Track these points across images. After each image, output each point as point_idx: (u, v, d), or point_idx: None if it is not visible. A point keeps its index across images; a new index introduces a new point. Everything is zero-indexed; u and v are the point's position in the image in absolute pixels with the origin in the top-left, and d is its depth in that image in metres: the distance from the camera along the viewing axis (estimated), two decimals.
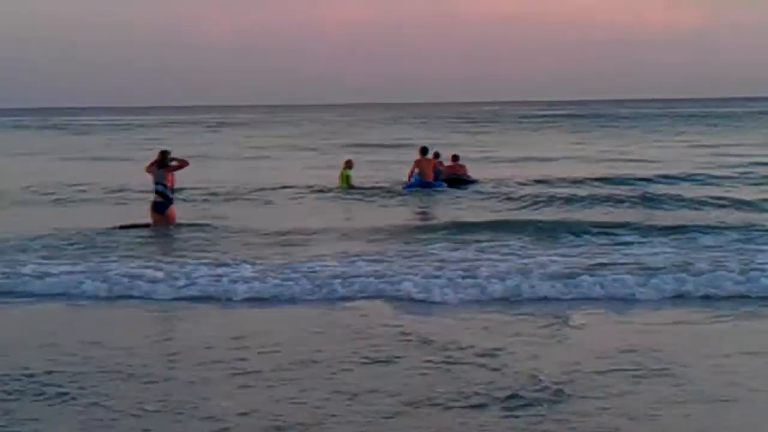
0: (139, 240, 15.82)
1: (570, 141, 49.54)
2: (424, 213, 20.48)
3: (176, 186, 17.51)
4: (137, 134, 68.87)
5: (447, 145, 34.50)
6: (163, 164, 17.02)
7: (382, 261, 13.02)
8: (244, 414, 6.90)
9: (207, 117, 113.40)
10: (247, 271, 12.46)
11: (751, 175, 26.22)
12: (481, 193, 23.04)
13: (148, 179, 17.38)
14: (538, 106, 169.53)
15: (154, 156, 17.35)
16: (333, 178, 24.44)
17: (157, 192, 17.12)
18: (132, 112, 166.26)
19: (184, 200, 20.18)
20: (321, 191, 23.62)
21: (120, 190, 24.64)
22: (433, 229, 16.67)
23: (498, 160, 34.48)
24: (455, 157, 25.06)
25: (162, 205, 17.10)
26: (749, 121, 74.19)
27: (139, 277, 12.17)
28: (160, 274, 12.28)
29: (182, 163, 17.23)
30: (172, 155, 17.20)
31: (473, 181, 24.58)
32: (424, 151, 23.98)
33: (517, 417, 6.80)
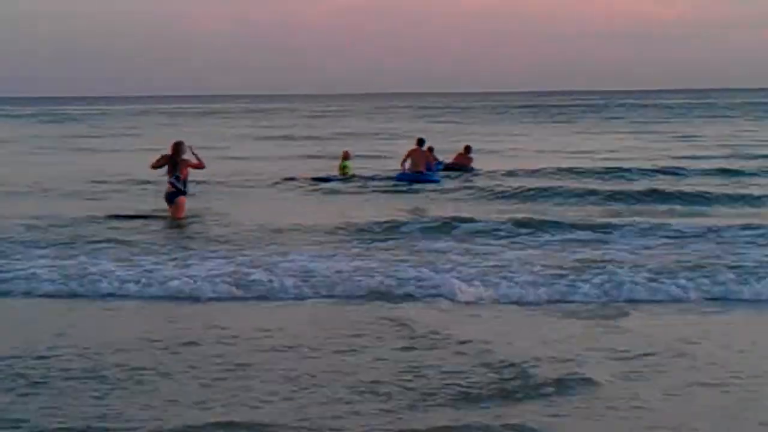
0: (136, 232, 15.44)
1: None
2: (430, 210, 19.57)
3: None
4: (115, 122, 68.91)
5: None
6: (177, 156, 16.97)
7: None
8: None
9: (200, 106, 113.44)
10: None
11: None
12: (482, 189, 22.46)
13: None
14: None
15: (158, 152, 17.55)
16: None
17: (169, 182, 17.04)
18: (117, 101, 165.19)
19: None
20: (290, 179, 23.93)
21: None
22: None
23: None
24: (467, 149, 25.22)
25: (173, 195, 16.98)
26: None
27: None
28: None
29: (200, 164, 17.22)
30: (188, 147, 17.17)
31: (472, 170, 24.83)
32: (420, 142, 24.29)
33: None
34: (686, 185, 22.00)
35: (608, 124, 61.00)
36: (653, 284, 10.84)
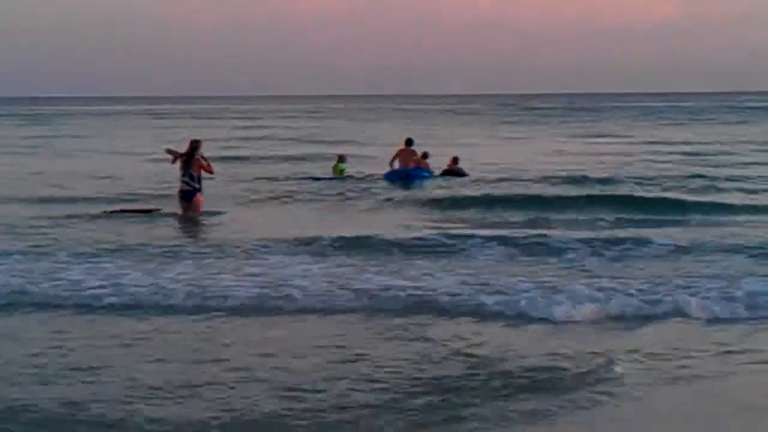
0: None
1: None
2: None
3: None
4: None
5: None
6: (192, 154, 17.07)
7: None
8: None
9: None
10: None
11: None
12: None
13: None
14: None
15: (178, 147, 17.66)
16: None
17: (183, 181, 17.15)
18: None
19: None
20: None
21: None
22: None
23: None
24: (455, 159, 25.10)
25: (189, 193, 17.10)
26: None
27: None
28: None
29: (209, 168, 17.34)
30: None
31: (465, 175, 24.59)
32: (408, 142, 24.48)
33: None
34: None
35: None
36: None
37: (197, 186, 17.15)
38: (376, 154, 29.96)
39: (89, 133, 56.00)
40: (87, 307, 10.19)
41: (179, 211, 17.22)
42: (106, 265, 12.08)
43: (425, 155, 24.80)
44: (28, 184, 23.72)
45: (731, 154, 33.08)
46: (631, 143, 40.76)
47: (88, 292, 10.68)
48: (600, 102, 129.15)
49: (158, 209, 17.79)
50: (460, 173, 24.50)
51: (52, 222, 16.51)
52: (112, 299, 10.43)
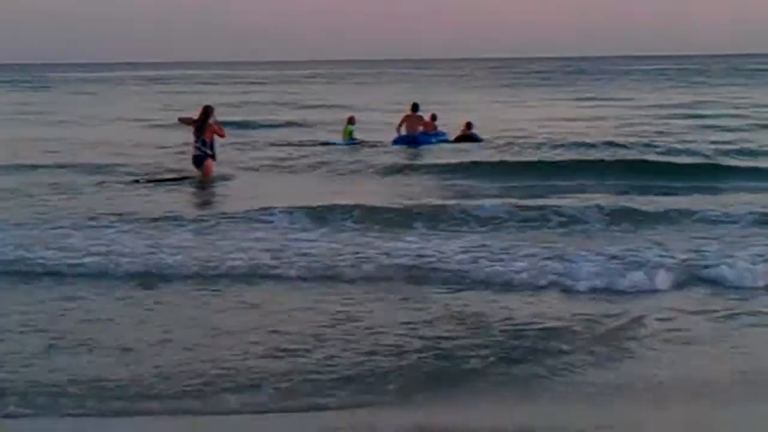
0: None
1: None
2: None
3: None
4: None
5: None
6: (205, 120, 17.36)
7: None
8: None
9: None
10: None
11: None
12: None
13: None
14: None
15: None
16: None
17: (195, 146, 17.47)
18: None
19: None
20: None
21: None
22: None
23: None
24: (469, 125, 24.98)
25: (200, 158, 17.38)
26: None
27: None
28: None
29: (220, 132, 17.66)
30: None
31: (480, 140, 24.40)
32: (414, 107, 24.42)
33: None
34: None
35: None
36: None
37: (209, 151, 17.42)
38: (378, 119, 29.74)
39: (101, 100, 55.64)
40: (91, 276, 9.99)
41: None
42: (107, 230, 11.89)
43: (434, 117, 24.93)
44: (72, 149, 23.48)
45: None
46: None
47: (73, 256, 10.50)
48: (599, 65, 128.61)
49: (188, 177, 17.49)
50: (475, 138, 24.35)
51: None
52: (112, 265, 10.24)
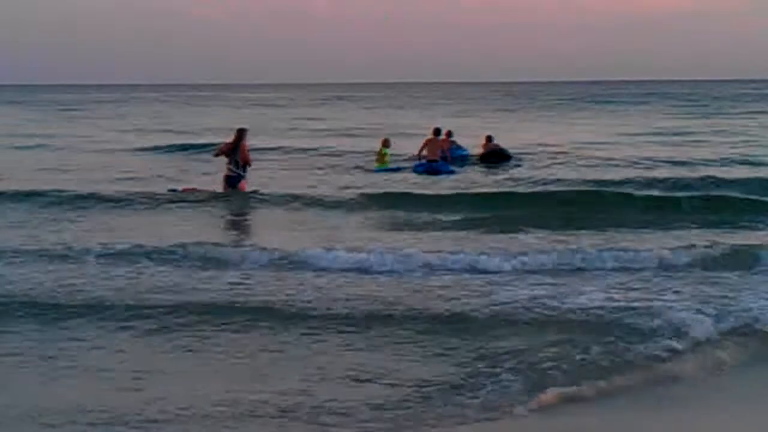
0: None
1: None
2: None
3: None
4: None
5: None
6: (238, 142, 17.72)
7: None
8: None
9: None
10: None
11: None
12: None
13: None
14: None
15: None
16: None
17: (229, 167, 17.89)
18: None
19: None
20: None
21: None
22: None
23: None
24: (489, 138, 25.99)
25: (234, 179, 17.86)
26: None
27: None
28: None
29: (248, 160, 17.92)
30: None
31: (509, 157, 25.20)
32: (436, 132, 24.86)
33: None
34: None
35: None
36: None
37: (242, 173, 17.83)
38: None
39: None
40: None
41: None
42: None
43: (449, 134, 25.51)
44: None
45: None
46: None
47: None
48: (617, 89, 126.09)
49: (221, 192, 18.04)
50: (503, 154, 25.08)
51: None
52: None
